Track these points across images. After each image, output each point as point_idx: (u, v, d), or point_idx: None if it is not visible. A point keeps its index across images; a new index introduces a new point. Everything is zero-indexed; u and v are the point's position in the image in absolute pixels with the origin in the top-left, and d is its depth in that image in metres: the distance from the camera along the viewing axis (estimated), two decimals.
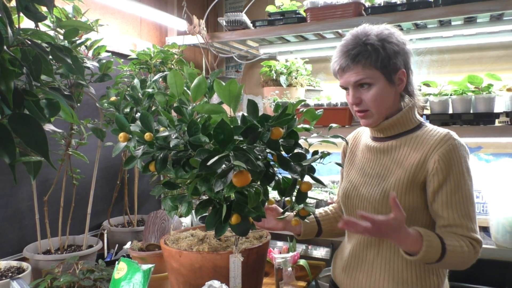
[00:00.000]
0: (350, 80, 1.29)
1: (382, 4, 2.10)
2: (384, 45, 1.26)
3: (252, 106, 1.10)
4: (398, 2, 2.07)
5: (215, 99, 1.37)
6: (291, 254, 1.80)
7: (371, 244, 1.33)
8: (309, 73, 2.58)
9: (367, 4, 2.16)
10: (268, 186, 1.20)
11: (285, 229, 1.49)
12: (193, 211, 1.25)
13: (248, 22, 2.44)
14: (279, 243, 2.47)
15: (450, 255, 1.15)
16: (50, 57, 1.02)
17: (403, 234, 1.13)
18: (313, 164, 1.19)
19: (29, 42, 0.95)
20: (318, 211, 1.58)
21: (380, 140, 1.37)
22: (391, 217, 1.11)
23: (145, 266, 1.24)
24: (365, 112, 1.31)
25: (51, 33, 1.40)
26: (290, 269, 1.71)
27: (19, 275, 1.48)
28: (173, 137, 1.17)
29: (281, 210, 1.49)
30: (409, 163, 1.27)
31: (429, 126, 1.33)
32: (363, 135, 1.49)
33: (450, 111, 1.96)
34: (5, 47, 0.86)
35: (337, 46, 1.35)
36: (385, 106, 1.30)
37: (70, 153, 1.72)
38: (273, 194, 2.27)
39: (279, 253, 1.86)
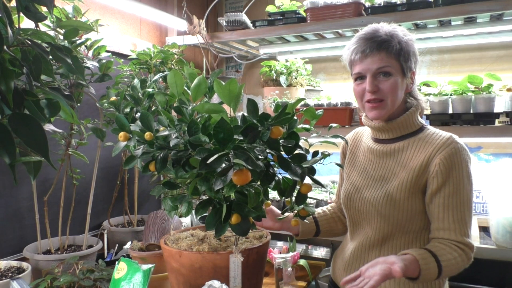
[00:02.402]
0: (371, 67, 1.27)
1: (382, 4, 2.10)
2: (407, 42, 1.29)
3: (252, 105, 1.10)
4: (398, 2, 2.07)
5: (215, 99, 1.37)
6: (291, 254, 1.80)
7: (373, 245, 1.33)
8: (309, 73, 2.58)
9: (367, 4, 2.16)
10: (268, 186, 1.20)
11: (282, 229, 1.49)
12: (193, 211, 1.25)
13: (248, 22, 2.44)
14: (279, 243, 2.47)
15: (446, 269, 1.17)
16: (50, 57, 1.01)
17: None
18: (313, 164, 1.19)
19: (29, 42, 0.95)
20: (317, 210, 1.58)
21: (382, 142, 1.37)
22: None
23: (145, 266, 1.24)
24: (379, 102, 1.29)
25: (51, 33, 1.40)
26: (290, 269, 1.71)
27: (19, 275, 1.48)
28: (173, 137, 1.17)
29: (278, 212, 1.49)
30: (412, 165, 1.27)
31: (431, 129, 1.33)
32: (364, 135, 1.48)
33: (450, 111, 1.96)
34: (5, 47, 0.86)
35: (353, 37, 1.33)
36: (398, 99, 1.30)
37: (70, 153, 1.71)
38: (273, 194, 2.27)
39: (279, 253, 1.86)
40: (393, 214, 1.27)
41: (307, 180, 1.20)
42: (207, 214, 1.18)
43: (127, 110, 1.40)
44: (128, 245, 1.86)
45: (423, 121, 1.37)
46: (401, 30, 1.31)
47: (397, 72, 1.28)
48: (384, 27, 1.30)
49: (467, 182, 1.24)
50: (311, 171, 1.19)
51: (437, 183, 1.23)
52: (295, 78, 2.49)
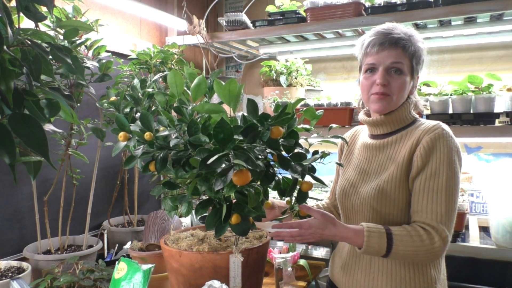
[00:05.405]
0: (386, 60, 1.28)
1: (382, 4, 2.11)
2: (420, 47, 1.32)
3: (252, 105, 1.10)
4: (398, 2, 2.07)
5: (215, 99, 1.37)
6: (291, 254, 1.80)
7: None
8: (309, 73, 2.58)
9: (367, 4, 2.16)
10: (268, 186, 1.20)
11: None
12: (193, 211, 1.25)
13: (248, 22, 2.45)
14: (279, 243, 2.46)
15: (399, 243, 1.16)
16: (50, 57, 1.01)
17: (338, 230, 1.19)
18: (313, 163, 1.19)
19: (29, 42, 0.94)
20: (311, 204, 1.58)
21: (377, 138, 1.38)
22: (310, 218, 1.20)
23: (145, 266, 1.24)
24: (386, 95, 1.29)
25: (51, 33, 1.40)
26: (290, 269, 1.71)
27: (19, 275, 1.48)
28: (173, 137, 1.17)
29: (273, 203, 1.48)
30: (400, 157, 1.28)
31: (422, 120, 1.34)
32: (361, 133, 1.50)
33: (450, 111, 1.96)
34: (5, 47, 0.86)
35: (370, 31, 1.34)
36: (403, 99, 1.32)
37: (70, 153, 1.72)
38: (273, 194, 2.27)
39: (279, 253, 1.86)
40: (384, 207, 1.27)
41: (308, 178, 1.20)
42: (207, 214, 1.18)
43: (127, 110, 1.40)
44: (128, 245, 1.86)
45: (416, 115, 1.37)
46: (416, 34, 1.33)
47: (408, 71, 1.30)
48: (402, 27, 1.33)
49: (447, 168, 1.20)
50: (312, 170, 1.19)
51: (417, 166, 1.23)
52: (295, 78, 2.50)
